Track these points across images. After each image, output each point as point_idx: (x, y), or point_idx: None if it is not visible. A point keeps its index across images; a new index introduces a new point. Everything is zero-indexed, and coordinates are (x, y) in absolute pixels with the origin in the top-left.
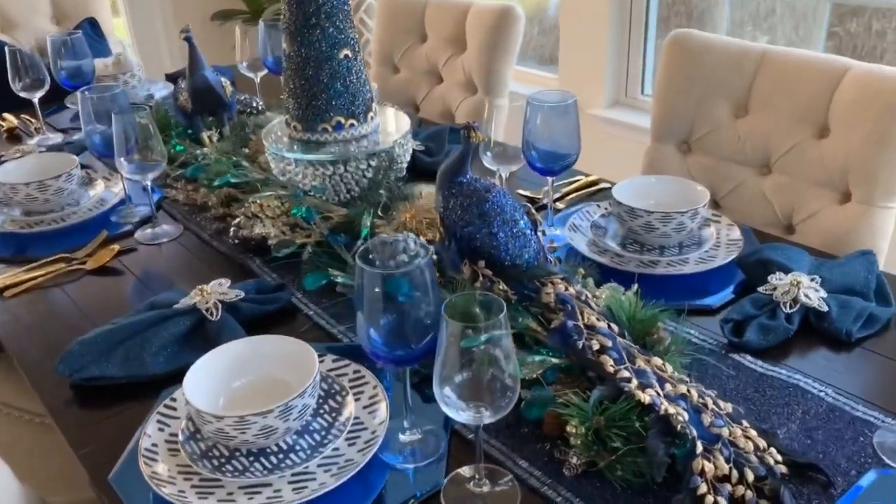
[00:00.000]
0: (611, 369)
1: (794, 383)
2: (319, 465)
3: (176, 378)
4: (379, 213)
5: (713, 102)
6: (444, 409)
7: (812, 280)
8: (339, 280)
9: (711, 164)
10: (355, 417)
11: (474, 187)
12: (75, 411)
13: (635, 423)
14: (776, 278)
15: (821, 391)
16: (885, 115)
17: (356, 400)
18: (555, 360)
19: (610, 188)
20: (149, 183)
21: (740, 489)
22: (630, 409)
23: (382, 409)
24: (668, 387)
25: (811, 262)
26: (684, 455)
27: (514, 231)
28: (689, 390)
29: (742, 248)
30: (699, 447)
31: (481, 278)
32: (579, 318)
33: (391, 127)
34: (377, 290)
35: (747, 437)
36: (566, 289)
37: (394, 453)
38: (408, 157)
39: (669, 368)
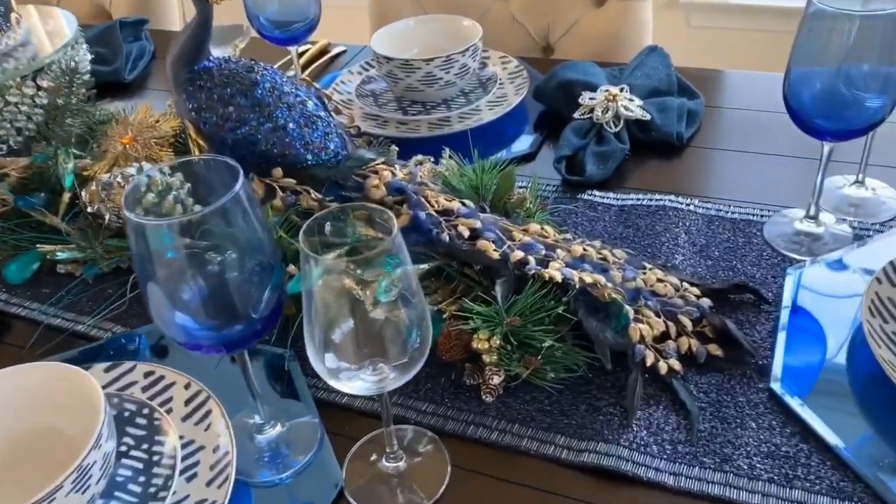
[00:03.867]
0: (496, 254)
1: (657, 205)
2: None
3: None
4: (74, 149)
5: None
6: (335, 384)
7: (622, 90)
8: (60, 257)
9: None
10: (179, 437)
11: (230, 70)
12: None
13: (558, 309)
14: (588, 98)
15: (687, 204)
16: None
17: (168, 413)
18: (419, 267)
19: (345, 51)
20: None
21: (684, 342)
22: (544, 294)
23: (216, 412)
24: (560, 253)
25: (607, 73)
26: (621, 327)
27: (306, 116)
28: (584, 249)
29: (527, 78)
30: (630, 312)
31: (281, 193)
32: (427, 204)
33: (45, 29)
34: (175, 249)
35: (661, 281)
36: (394, 174)
37: (257, 465)
38: (88, 66)
39: (550, 231)
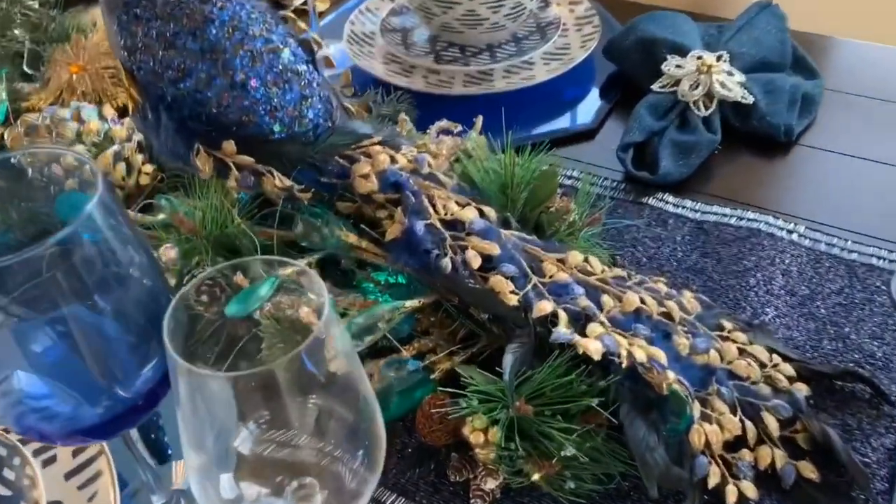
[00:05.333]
0: (513, 299)
1: (748, 227)
2: None
3: None
4: (26, 67)
5: None
6: None
7: (720, 59)
8: None
9: None
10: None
11: None
12: None
13: (591, 400)
14: (674, 65)
15: (790, 231)
16: None
17: (45, 465)
18: (406, 304)
19: None
20: None
21: (765, 454)
22: (574, 372)
23: (107, 477)
24: (607, 302)
25: (703, 32)
26: (680, 431)
27: (278, 71)
28: (642, 299)
29: (599, 27)
30: (696, 411)
31: (236, 173)
32: (430, 210)
33: None
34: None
35: (742, 353)
36: (393, 160)
37: None
38: None
39: (596, 264)
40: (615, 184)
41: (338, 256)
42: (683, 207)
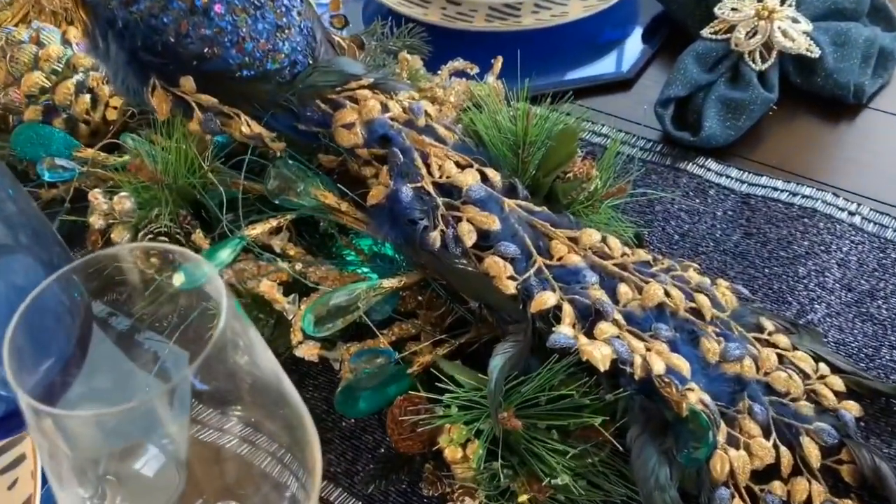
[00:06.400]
0: (510, 286)
1: (802, 205)
2: None
3: None
4: None
5: None
6: None
7: (785, 3)
8: None
9: None
10: None
11: None
12: None
13: (593, 419)
14: (729, 8)
15: (851, 213)
16: None
17: None
18: (384, 283)
19: None
20: None
21: (801, 487)
22: (575, 380)
23: (27, 465)
24: (624, 293)
25: None
26: (698, 460)
27: None
28: (666, 292)
29: None
30: (721, 436)
31: (199, 115)
32: (422, 170)
33: None
34: None
35: (784, 359)
36: (385, 108)
37: None
38: None
39: (615, 245)
40: (650, 144)
41: (316, 217)
42: (728, 177)
